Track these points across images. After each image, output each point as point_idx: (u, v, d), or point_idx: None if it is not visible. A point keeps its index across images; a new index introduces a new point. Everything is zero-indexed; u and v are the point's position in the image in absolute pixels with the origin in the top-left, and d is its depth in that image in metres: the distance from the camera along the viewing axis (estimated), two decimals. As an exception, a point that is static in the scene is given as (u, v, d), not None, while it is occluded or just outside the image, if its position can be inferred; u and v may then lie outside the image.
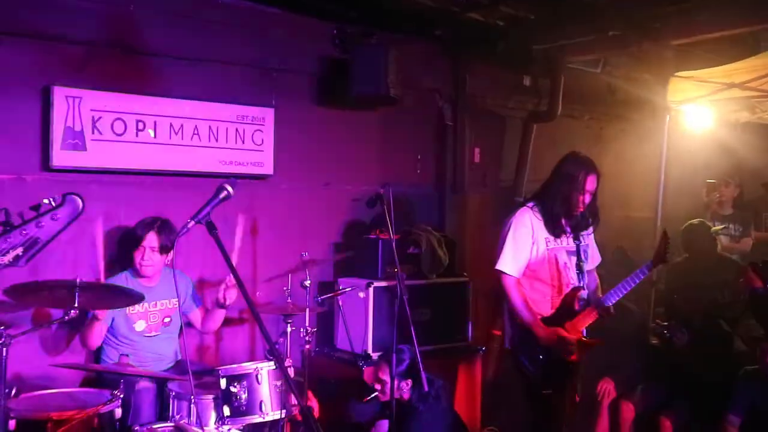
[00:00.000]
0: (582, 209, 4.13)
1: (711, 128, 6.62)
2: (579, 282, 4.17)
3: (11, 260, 2.22)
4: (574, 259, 4.20)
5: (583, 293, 4.16)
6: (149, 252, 4.15)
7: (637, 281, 4.11)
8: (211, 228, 2.62)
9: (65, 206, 2.28)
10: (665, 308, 6.03)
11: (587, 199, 4.11)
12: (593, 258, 4.37)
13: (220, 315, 4.38)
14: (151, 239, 4.16)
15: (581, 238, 4.22)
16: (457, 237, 5.89)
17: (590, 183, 4.08)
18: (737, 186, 6.97)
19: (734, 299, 5.72)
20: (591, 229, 4.30)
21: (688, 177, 7.24)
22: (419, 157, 6.07)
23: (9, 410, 3.19)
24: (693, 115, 6.48)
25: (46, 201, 2.32)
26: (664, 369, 5.26)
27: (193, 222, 2.62)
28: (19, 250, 2.22)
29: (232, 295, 4.16)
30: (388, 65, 5.13)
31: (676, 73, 6.18)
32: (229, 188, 2.71)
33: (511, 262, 4.08)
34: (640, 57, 6.12)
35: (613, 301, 4.10)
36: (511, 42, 5.91)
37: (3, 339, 2.87)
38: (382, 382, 4.26)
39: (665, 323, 5.16)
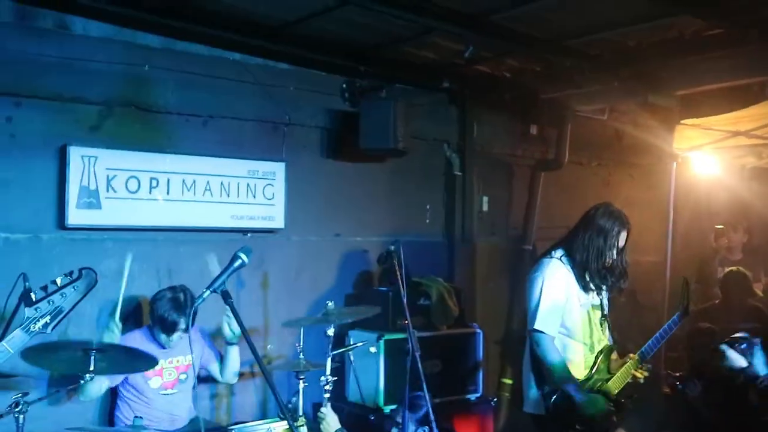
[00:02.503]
0: (611, 264, 3.98)
1: (718, 174, 6.68)
2: (608, 338, 4.07)
3: (41, 328, 2.54)
4: (599, 314, 4.08)
5: (616, 353, 4.06)
6: (177, 335, 4.18)
7: (669, 334, 4.02)
8: (226, 297, 2.67)
9: (84, 279, 2.62)
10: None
11: (616, 254, 3.97)
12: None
13: (234, 355, 4.39)
14: (182, 324, 4.16)
15: (602, 293, 4.11)
16: (467, 286, 5.92)
17: (622, 239, 3.96)
18: (746, 231, 6.99)
19: None
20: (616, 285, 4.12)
21: (697, 222, 7.27)
22: (428, 206, 6.12)
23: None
24: (699, 161, 6.54)
25: (65, 275, 2.57)
26: (678, 419, 5.22)
27: (208, 292, 2.66)
28: (48, 318, 2.56)
29: (234, 325, 4.16)
30: (396, 119, 5.21)
31: (682, 121, 6.25)
32: (244, 257, 2.75)
33: (548, 320, 3.87)
34: (646, 105, 6.19)
35: (649, 357, 3.99)
36: (517, 92, 6.00)
37: (20, 407, 2.90)
38: (398, 426, 4.23)
39: (677, 374, 5.14)
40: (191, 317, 3.90)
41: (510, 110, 6.28)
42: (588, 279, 3.96)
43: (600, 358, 4.00)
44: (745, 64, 4.96)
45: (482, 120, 6.30)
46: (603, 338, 4.07)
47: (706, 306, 6.18)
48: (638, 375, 3.97)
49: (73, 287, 2.60)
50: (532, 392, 4.05)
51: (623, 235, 3.95)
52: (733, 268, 6.28)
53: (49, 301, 2.54)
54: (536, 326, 3.89)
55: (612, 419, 3.89)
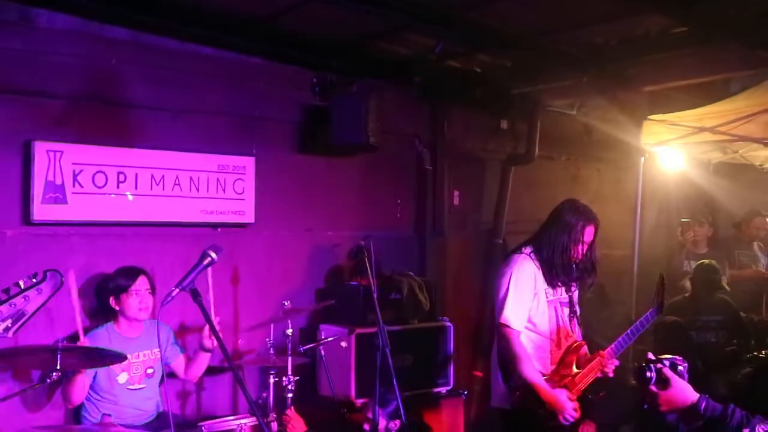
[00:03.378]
0: (579, 259, 4.01)
1: (684, 169, 6.78)
2: (576, 334, 4.10)
3: (2, 331, 2.43)
4: (567, 311, 4.11)
5: (585, 348, 4.08)
6: (145, 294, 4.18)
7: (642, 329, 4.03)
8: (195, 295, 2.66)
9: (48, 281, 2.51)
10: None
11: (584, 249, 4.00)
12: (578, 304, 4.28)
13: (204, 359, 4.38)
14: (143, 282, 4.19)
15: (571, 289, 4.14)
16: (438, 280, 5.94)
17: (588, 234, 3.97)
18: (711, 225, 7.12)
19: (726, 342, 5.85)
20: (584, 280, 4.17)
21: (664, 216, 7.38)
22: (399, 201, 6.13)
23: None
24: (666, 156, 6.64)
25: (28, 277, 2.52)
26: (645, 411, 5.29)
27: (177, 290, 2.64)
28: (9, 322, 2.43)
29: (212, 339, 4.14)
30: (367, 113, 5.20)
31: (649, 117, 6.34)
32: (213, 255, 2.74)
33: (515, 314, 3.91)
34: (615, 101, 6.26)
35: (618, 353, 4.00)
36: (488, 87, 6.03)
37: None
38: (370, 421, 4.25)
39: (638, 366, 5.20)
40: (152, 280, 3.94)
41: (481, 105, 6.30)
42: (555, 274, 3.99)
43: (567, 353, 4.04)
44: (710, 62, 5.04)
45: (453, 115, 6.32)
46: (571, 334, 4.10)
47: (675, 300, 6.28)
48: (608, 371, 4.00)
49: (37, 290, 2.48)
50: (499, 386, 4.09)
51: (589, 230, 3.97)
52: (704, 261, 6.39)
53: (11, 304, 2.44)
54: (502, 320, 3.93)
55: (577, 414, 3.89)
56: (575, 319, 4.13)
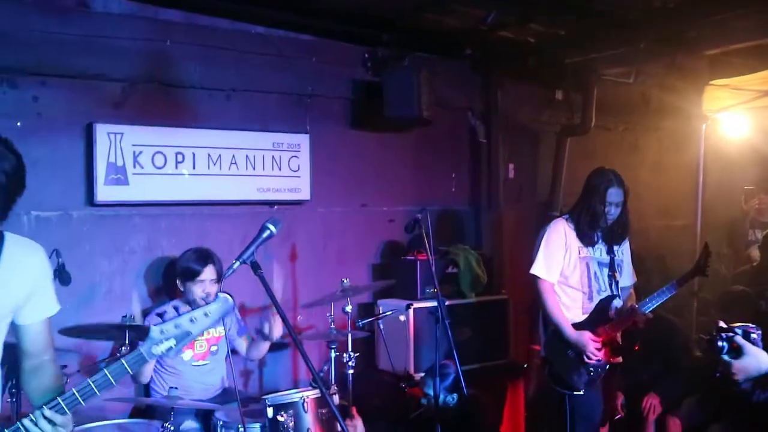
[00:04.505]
0: (609, 223, 4.23)
1: (748, 135, 6.55)
2: (612, 291, 4.29)
3: (164, 351, 2.26)
4: (606, 270, 4.32)
5: (617, 302, 4.28)
6: (210, 284, 4.20)
7: (674, 291, 4.24)
8: (255, 268, 2.68)
9: (218, 304, 2.34)
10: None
11: (612, 211, 4.21)
12: (626, 277, 4.42)
13: (265, 346, 4.43)
14: (211, 272, 4.20)
15: (615, 252, 4.34)
16: (494, 254, 5.90)
17: (612, 195, 4.18)
18: (776, 193, 6.87)
19: None
20: (626, 244, 4.40)
21: (726, 184, 7.15)
22: (454, 175, 6.09)
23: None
24: (729, 122, 6.43)
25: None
26: (711, 383, 5.18)
27: (238, 263, 2.66)
28: (172, 342, 2.27)
29: (278, 329, 4.18)
30: (420, 87, 5.17)
31: (711, 82, 6.13)
32: (272, 227, 2.75)
33: (544, 266, 4.25)
34: (674, 67, 6.07)
35: (649, 309, 4.19)
36: (542, 57, 5.91)
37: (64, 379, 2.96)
38: (427, 396, 4.27)
39: (709, 336, 5.09)
40: (219, 270, 3.98)
41: (534, 76, 6.18)
42: (585, 234, 4.25)
43: (599, 304, 4.24)
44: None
45: (506, 87, 6.22)
46: (606, 290, 4.31)
47: (742, 269, 6.11)
48: (637, 320, 4.16)
49: (205, 313, 2.30)
50: (541, 335, 4.42)
51: (612, 192, 4.17)
52: None
53: (176, 325, 2.28)
54: (532, 271, 4.27)
55: (599, 354, 4.15)
56: (614, 281, 4.31)
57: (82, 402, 2.23)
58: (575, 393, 4.19)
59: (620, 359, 4.42)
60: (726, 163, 7.00)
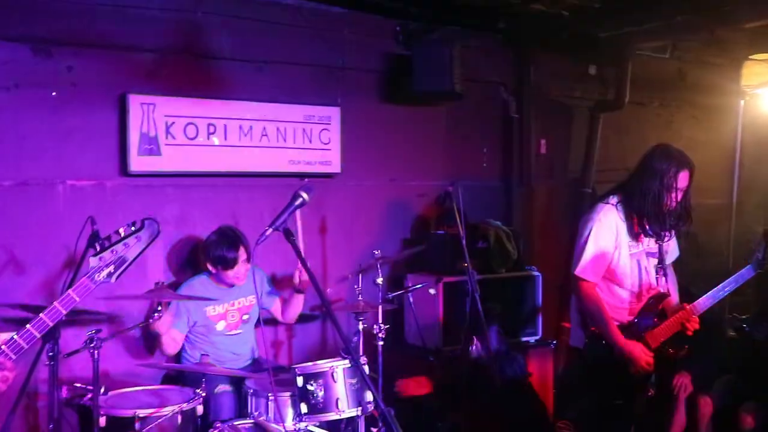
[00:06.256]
0: (672, 207, 3.82)
1: (789, 111, 6.41)
2: (660, 286, 3.97)
3: (105, 276, 2.59)
4: (654, 261, 3.97)
5: (670, 299, 3.97)
6: (242, 265, 4.23)
7: (736, 286, 3.90)
8: (288, 235, 2.69)
9: (146, 229, 2.67)
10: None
11: (679, 197, 3.80)
12: (671, 254, 4.14)
13: (298, 301, 4.48)
14: (242, 254, 4.21)
15: (664, 238, 3.97)
16: (525, 230, 5.86)
17: (682, 180, 3.77)
18: (818, 171, 6.73)
19: None
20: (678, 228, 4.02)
21: (765, 162, 7.01)
22: (485, 150, 6.04)
23: (99, 407, 3.34)
24: (769, 98, 6.29)
25: (128, 225, 2.74)
26: (743, 362, 5.12)
27: (271, 230, 2.67)
28: (111, 268, 2.59)
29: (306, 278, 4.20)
30: (452, 60, 5.12)
31: (750, 57, 5.99)
32: (305, 195, 2.76)
33: (591, 268, 3.85)
34: (712, 41, 5.94)
35: (702, 311, 3.89)
36: (575, 30, 5.81)
37: (95, 342, 3.03)
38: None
39: (744, 316, 5.02)
40: (248, 248, 4.01)
41: (568, 50, 6.10)
42: (646, 225, 3.83)
43: (649, 304, 3.92)
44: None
45: (539, 61, 6.14)
46: (655, 287, 3.98)
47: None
48: (689, 327, 3.89)
49: (136, 237, 2.65)
50: (576, 329, 4.15)
51: (682, 176, 3.77)
52: None
53: (112, 251, 2.61)
54: (577, 272, 3.88)
55: (650, 369, 3.82)
56: (662, 271, 3.99)
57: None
58: (615, 402, 3.92)
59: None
60: (764, 139, 6.85)
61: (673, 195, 3.77)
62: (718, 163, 6.79)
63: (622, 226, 3.85)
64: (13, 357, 2.50)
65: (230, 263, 4.18)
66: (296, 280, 4.29)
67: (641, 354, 3.78)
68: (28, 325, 2.55)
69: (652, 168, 3.80)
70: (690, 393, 5.05)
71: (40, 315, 2.56)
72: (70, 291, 2.59)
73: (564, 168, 6.46)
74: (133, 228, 2.73)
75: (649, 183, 3.78)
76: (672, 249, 4.15)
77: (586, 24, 5.75)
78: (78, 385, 3.40)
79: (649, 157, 3.87)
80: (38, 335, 2.56)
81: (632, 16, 5.54)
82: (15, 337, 2.52)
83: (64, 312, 2.58)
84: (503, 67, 6.09)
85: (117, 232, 2.75)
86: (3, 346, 2.48)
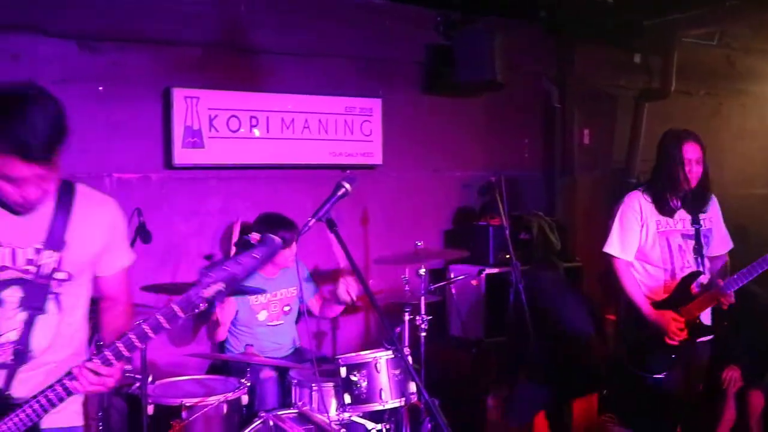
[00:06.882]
0: (693, 183, 3.91)
1: (842, 99, 6.22)
2: (697, 267, 3.97)
3: (213, 294, 2.22)
4: (691, 243, 3.98)
5: (703, 278, 3.95)
6: (294, 247, 4.20)
7: (761, 270, 3.79)
8: (331, 225, 2.68)
9: (265, 245, 2.30)
10: None
11: (693, 169, 3.88)
12: (719, 243, 4.09)
13: (338, 309, 4.47)
14: (295, 236, 4.17)
15: (702, 222, 3.99)
16: (568, 221, 5.79)
17: (688, 151, 3.86)
18: None
19: None
20: (714, 208, 4.06)
21: (816, 151, 6.83)
22: (527, 141, 5.99)
23: (147, 396, 3.39)
24: (821, 85, 6.11)
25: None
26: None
27: (314, 220, 2.66)
28: (221, 285, 2.22)
29: (353, 291, 4.19)
30: (493, 50, 5.08)
31: (802, 42, 5.83)
32: (347, 185, 2.75)
33: (618, 244, 4.01)
34: (761, 28, 5.79)
35: (735, 288, 3.83)
36: (619, 18, 5.72)
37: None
38: None
39: (794, 307, 4.90)
40: (295, 233, 4.01)
41: (612, 38, 5.99)
42: (664, 203, 3.97)
43: (684, 283, 3.95)
44: None
45: (582, 50, 6.06)
46: (690, 266, 4.00)
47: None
48: (723, 301, 3.88)
49: (251, 255, 2.24)
50: (620, 311, 4.17)
51: (687, 147, 3.87)
52: None
53: (224, 269, 2.22)
54: (605, 248, 4.04)
55: (683, 335, 3.88)
56: (701, 255, 3.98)
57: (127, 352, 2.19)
58: (654, 376, 3.96)
59: (707, 338, 4.08)
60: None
61: (684, 168, 3.88)
62: (766, 152, 6.61)
63: (648, 206, 3.99)
64: (115, 362, 2.20)
65: (287, 241, 4.18)
66: (342, 292, 4.26)
67: (671, 320, 3.87)
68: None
69: (662, 149, 4.01)
70: (740, 387, 4.96)
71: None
72: (173, 305, 2.23)
73: (608, 158, 6.37)
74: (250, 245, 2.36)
75: (662, 163, 3.98)
76: (718, 238, 4.10)
77: (630, 11, 5.66)
78: (127, 374, 3.45)
79: (660, 141, 4.08)
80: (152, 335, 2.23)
81: (677, 2, 5.44)
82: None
83: (183, 316, 2.25)
84: (545, 57, 6.03)
85: (236, 244, 2.40)
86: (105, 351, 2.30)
